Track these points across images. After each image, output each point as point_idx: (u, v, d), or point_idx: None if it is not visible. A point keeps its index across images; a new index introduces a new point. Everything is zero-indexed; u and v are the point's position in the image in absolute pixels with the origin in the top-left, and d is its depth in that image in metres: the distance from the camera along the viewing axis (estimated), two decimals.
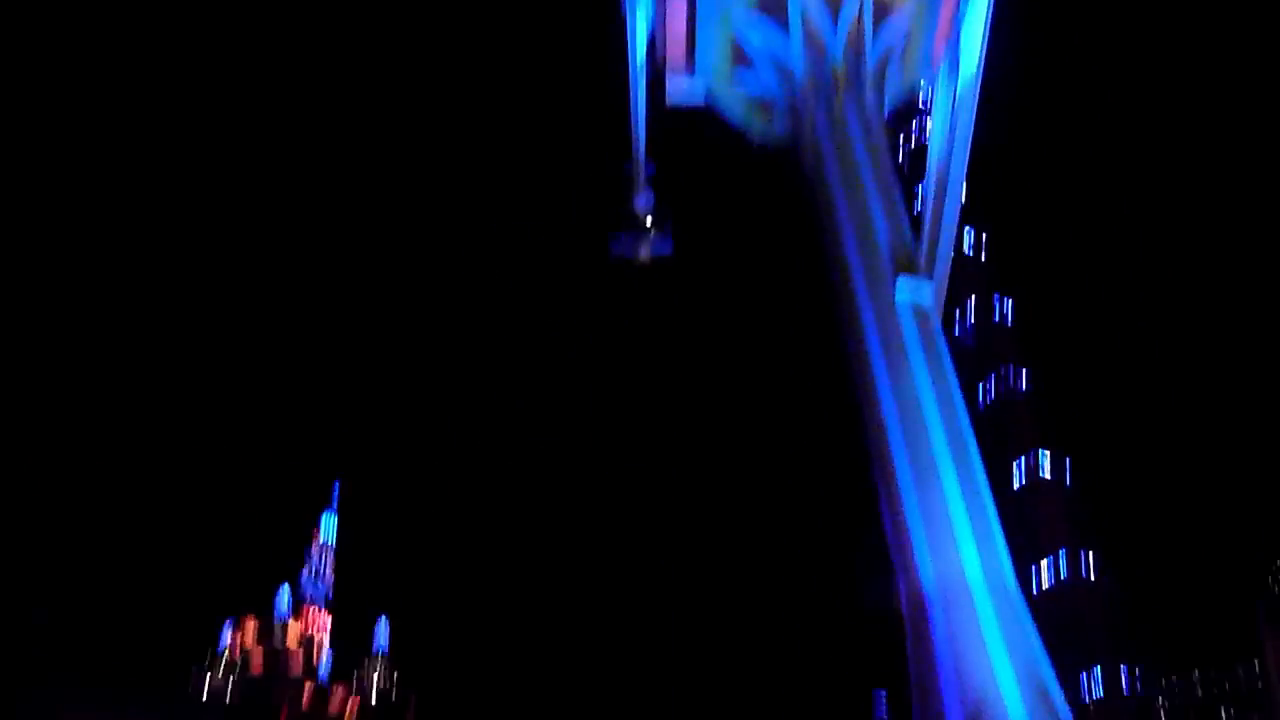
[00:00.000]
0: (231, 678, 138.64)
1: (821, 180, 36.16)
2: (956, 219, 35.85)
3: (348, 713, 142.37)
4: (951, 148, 35.21)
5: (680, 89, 43.14)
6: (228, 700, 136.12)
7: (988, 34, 35.09)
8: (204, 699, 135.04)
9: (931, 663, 25.66)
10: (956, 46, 37.07)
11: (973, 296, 78.87)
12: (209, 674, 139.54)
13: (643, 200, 42.84)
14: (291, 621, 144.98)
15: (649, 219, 42.97)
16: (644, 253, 43.00)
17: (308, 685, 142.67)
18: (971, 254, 79.91)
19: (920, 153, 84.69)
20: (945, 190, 34.96)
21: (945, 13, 40.34)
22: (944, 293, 34.61)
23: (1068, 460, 73.39)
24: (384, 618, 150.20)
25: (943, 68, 37.78)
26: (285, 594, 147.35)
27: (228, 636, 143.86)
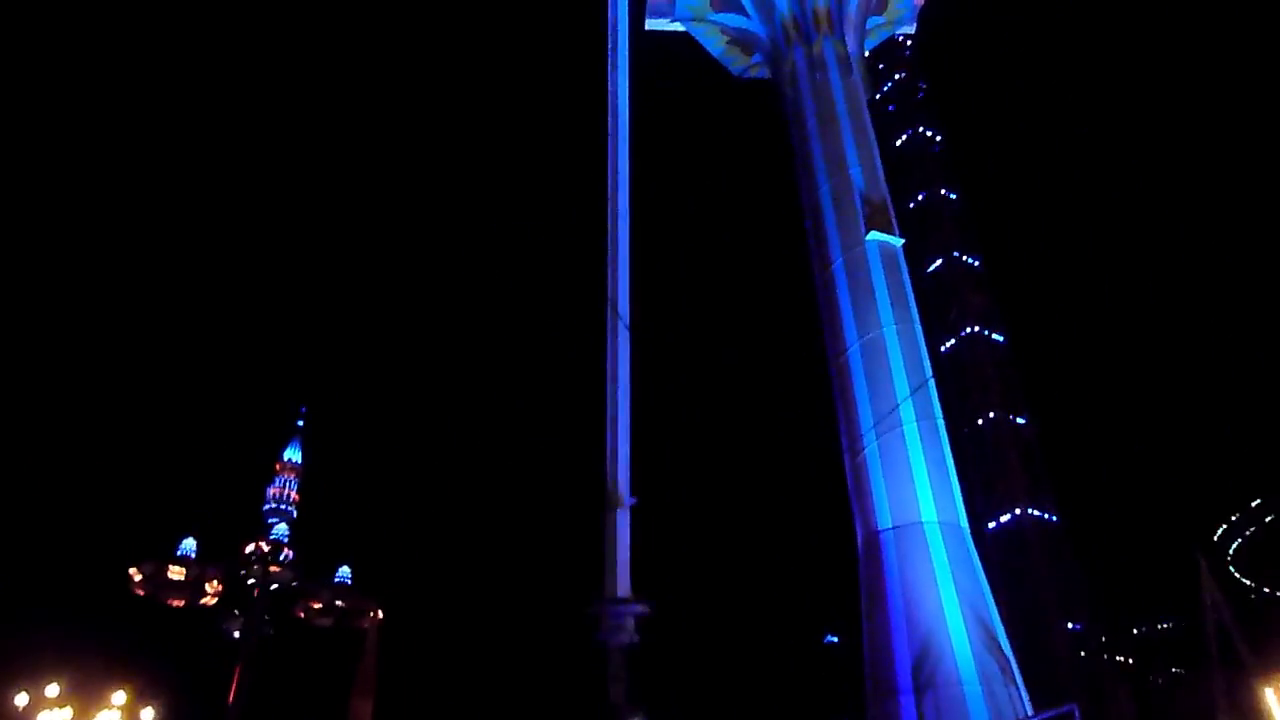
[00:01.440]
0: None
1: (798, 119, 36.09)
2: None
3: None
4: None
5: (659, 14, 42.82)
6: None
7: None
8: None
9: (883, 598, 26.45)
10: None
11: (942, 242, 79.50)
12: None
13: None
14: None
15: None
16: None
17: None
18: (946, 203, 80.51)
19: (897, 94, 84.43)
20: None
21: None
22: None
23: (1026, 408, 75.07)
24: (345, 566, 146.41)
25: None
26: (190, 543, 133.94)
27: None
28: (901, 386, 28.59)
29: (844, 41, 36.82)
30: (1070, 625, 67.45)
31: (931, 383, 29.90)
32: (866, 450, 28.64)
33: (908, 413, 28.14)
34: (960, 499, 28.33)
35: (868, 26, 40.06)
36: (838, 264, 31.60)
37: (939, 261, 74.08)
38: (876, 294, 30.36)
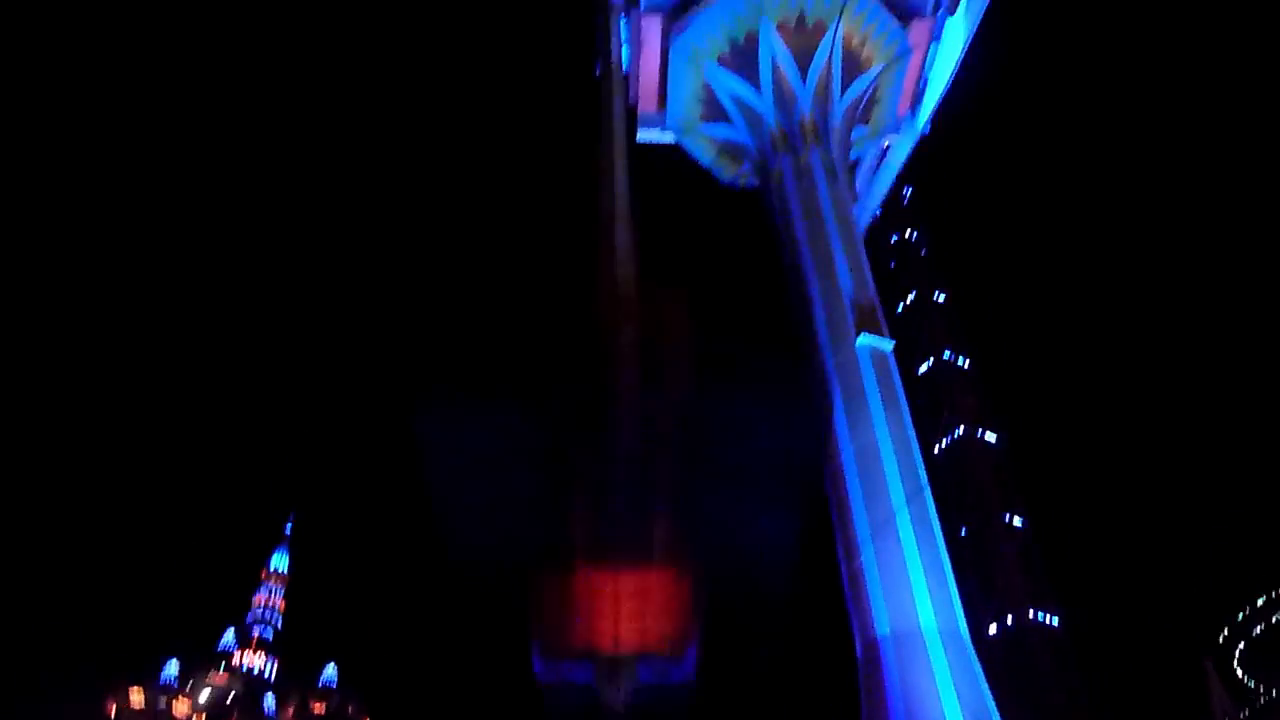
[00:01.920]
0: None
1: (787, 227, 36.84)
2: None
3: None
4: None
5: (650, 126, 44.23)
6: None
7: (946, 93, 36.48)
8: None
9: (883, 708, 25.86)
10: (917, 109, 38.48)
11: (932, 340, 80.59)
12: None
13: None
14: (182, 697, 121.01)
15: None
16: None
17: None
18: (933, 301, 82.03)
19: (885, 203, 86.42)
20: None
21: (911, 73, 41.76)
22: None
23: (1022, 507, 74.87)
24: (331, 663, 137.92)
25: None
26: (173, 666, 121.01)
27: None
28: (896, 492, 28.50)
29: (830, 151, 37.86)
30: None
31: (927, 489, 29.84)
32: (863, 557, 28.37)
33: (904, 519, 27.99)
34: (959, 605, 27.95)
35: (853, 137, 41.24)
36: (829, 368, 31.84)
37: (929, 362, 74.83)
38: (869, 399, 30.51)
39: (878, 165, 44.89)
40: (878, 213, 48.31)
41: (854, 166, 42.75)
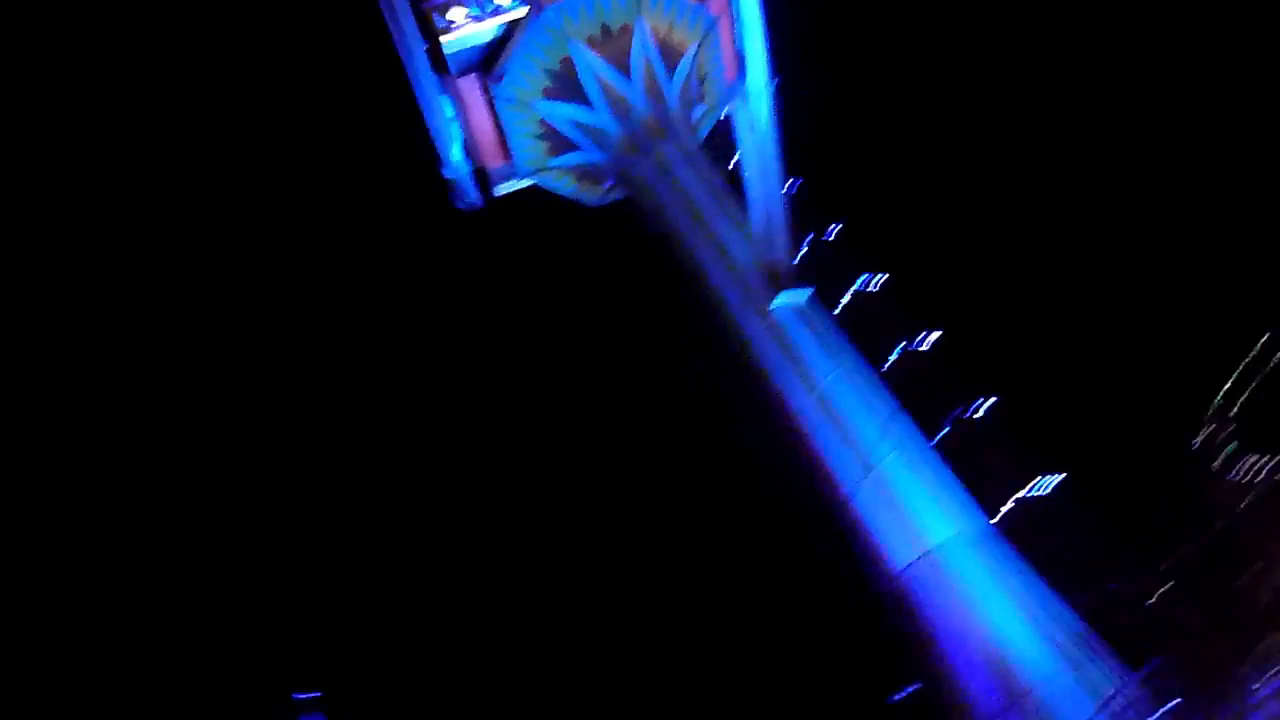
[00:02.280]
0: None
1: (667, 223, 37.20)
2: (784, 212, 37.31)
3: None
4: (764, 156, 37.08)
5: (503, 179, 44.36)
6: None
7: (768, 50, 37.39)
8: None
9: (935, 637, 25.92)
10: (744, 69, 39.30)
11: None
12: None
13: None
14: None
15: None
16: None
17: None
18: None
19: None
20: (772, 194, 36.70)
21: (726, 43, 42.61)
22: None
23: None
24: None
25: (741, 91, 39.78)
26: None
27: None
28: (870, 428, 28.76)
29: (680, 139, 38.38)
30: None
31: (898, 409, 30.10)
32: (857, 497, 28.58)
33: (888, 448, 28.25)
34: (973, 505, 28.23)
35: (694, 117, 41.84)
36: (759, 336, 32.13)
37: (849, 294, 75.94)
38: (805, 351, 30.85)
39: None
40: None
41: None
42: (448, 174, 42.43)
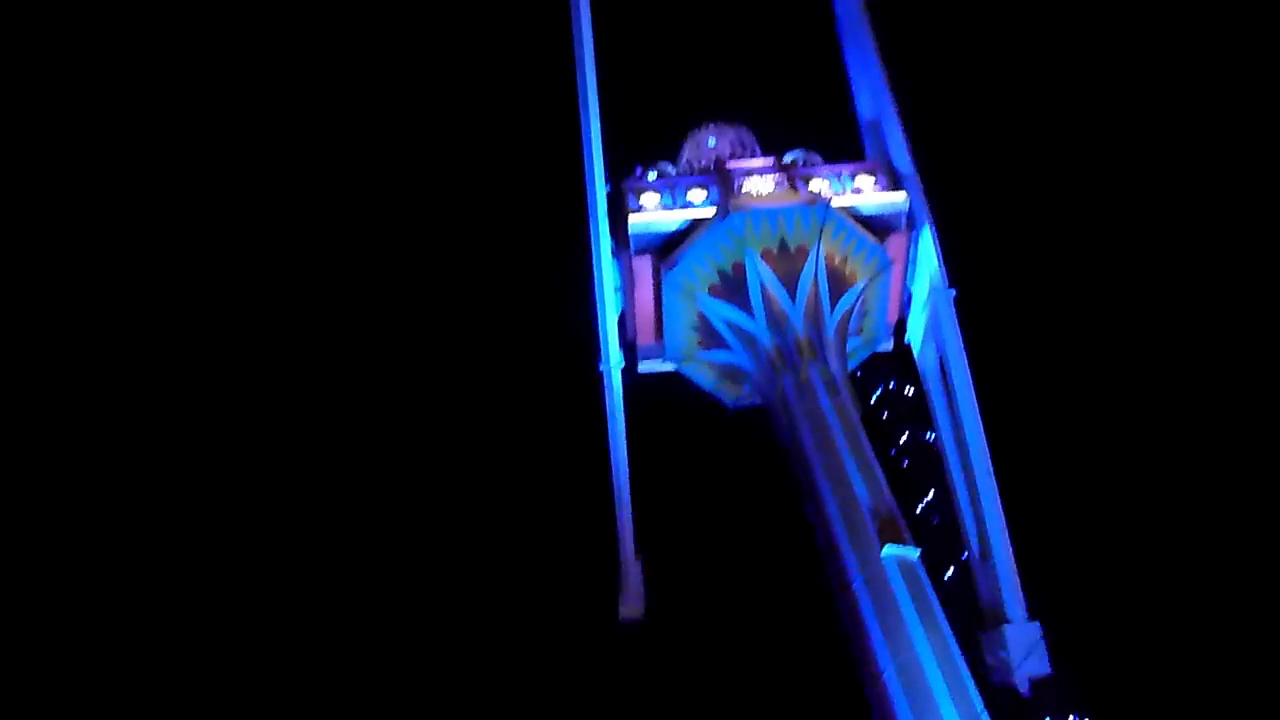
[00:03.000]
0: None
1: (796, 444, 37.03)
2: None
3: None
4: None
5: (650, 358, 45.65)
6: None
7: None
8: None
9: None
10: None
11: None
12: None
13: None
14: None
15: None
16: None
17: None
18: None
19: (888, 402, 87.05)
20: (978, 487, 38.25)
21: (895, 285, 43.65)
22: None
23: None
24: None
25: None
26: None
27: None
28: (948, 711, 27.01)
29: (828, 365, 38.69)
30: None
31: (977, 696, 28.30)
32: None
33: None
34: None
35: (848, 348, 42.34)
36: (857, 584, 31.09)
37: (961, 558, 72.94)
38: (903, 612, 29.57)
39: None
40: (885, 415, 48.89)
41: None
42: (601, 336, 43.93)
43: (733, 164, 46.10)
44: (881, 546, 31.42)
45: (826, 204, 41.34)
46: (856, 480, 33.67)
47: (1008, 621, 35.69)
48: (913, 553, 31.74)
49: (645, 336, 45.53)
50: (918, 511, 76.86)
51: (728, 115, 52.21)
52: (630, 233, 42.57)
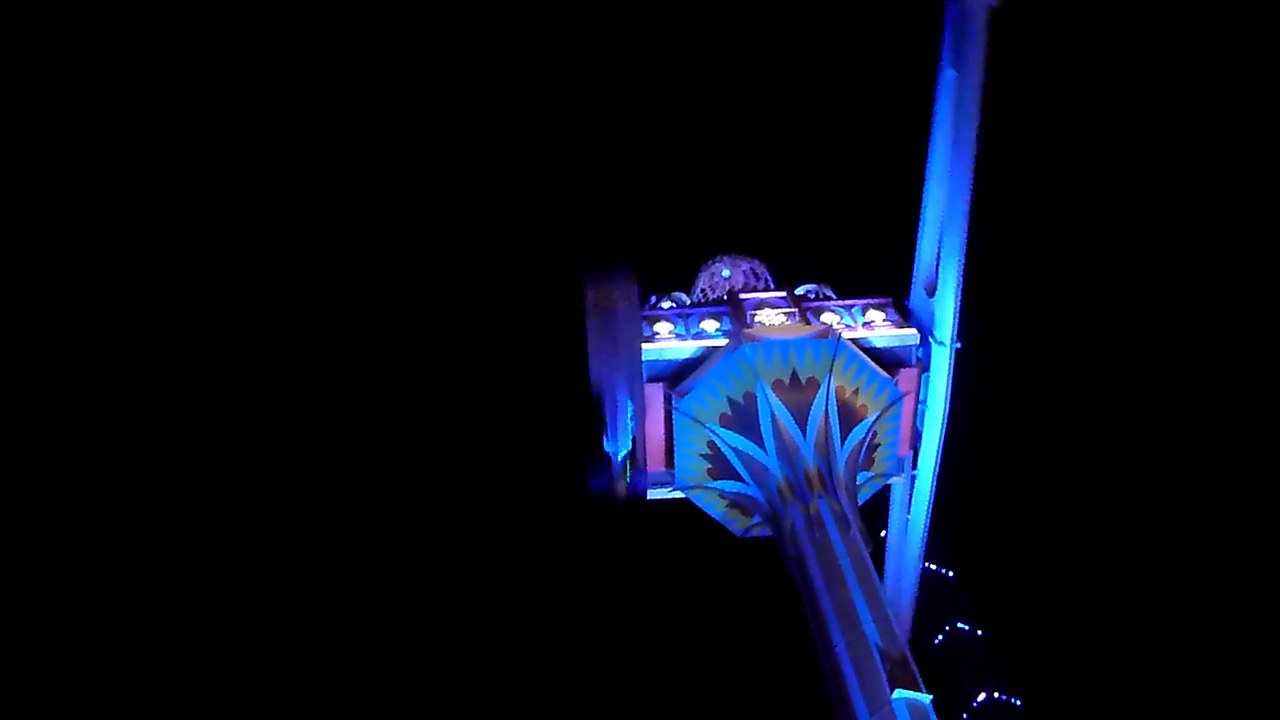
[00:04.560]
0: None
1: (804, 576, 36.46)
2: None
3: None
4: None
5: (659, 485, 45.37)
6: None
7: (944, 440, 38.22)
8: None
9: None
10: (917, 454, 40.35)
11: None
12: None
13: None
14: None
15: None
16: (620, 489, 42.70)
17: None
18: None
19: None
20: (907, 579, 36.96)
21: (906, 419, 43.67)
22: None
23: None
24: None
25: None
26: None
27: None
28: None
29: (838, 499, 38.41)
30: None
31: None
32: None
33: None
34: None
35: (859, 482, 42.10)
36: None
37: (981, 697, 70.74)
38: None
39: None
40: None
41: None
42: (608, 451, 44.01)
43: (745, 295, 46.99)
44: (892, 690, 30.56)
45: (838, 337, 41.81)
46: (867, 619, 32.96)
47: None
48: (924, 699, 30.79)
49: (655, 463, 45.42)
50: (934, 643, 75.11)
51: (741, 248, 53.66)
52: (642, 360, 43.07)
